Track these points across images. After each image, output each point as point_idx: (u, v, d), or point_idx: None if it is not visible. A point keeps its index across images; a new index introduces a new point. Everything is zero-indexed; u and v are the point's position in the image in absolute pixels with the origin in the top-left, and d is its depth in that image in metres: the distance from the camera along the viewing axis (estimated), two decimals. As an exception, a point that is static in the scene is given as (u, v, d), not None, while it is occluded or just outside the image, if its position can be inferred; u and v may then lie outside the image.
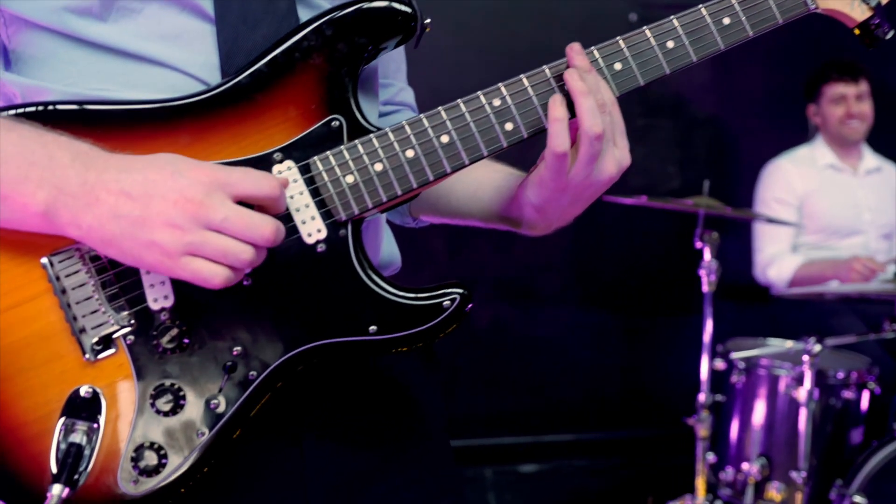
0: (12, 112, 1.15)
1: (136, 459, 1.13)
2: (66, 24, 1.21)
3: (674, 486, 3.94)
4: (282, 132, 1.19)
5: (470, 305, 1.21)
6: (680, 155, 5.17)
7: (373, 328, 1.18)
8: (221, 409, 1.14)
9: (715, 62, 5.10)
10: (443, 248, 4.83)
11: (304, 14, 1.27)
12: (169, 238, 1.06)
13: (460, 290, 1.20)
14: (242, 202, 1.09)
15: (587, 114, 1.22)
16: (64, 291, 1.13)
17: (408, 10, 1.24)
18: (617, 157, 1.27)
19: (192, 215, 1.06)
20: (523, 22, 4.86)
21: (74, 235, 1.10)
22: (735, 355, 3.71)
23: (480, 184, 1.46)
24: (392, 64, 1.54)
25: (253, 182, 1.10)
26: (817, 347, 3.28)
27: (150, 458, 1.13)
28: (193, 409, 1.14)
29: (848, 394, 3.62)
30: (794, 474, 3.47)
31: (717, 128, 5.21)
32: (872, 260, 4.12)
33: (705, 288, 3.61)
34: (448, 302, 1.20)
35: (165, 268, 1.08)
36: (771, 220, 4.02)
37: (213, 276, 1.07)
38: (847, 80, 4.51)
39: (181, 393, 1.13)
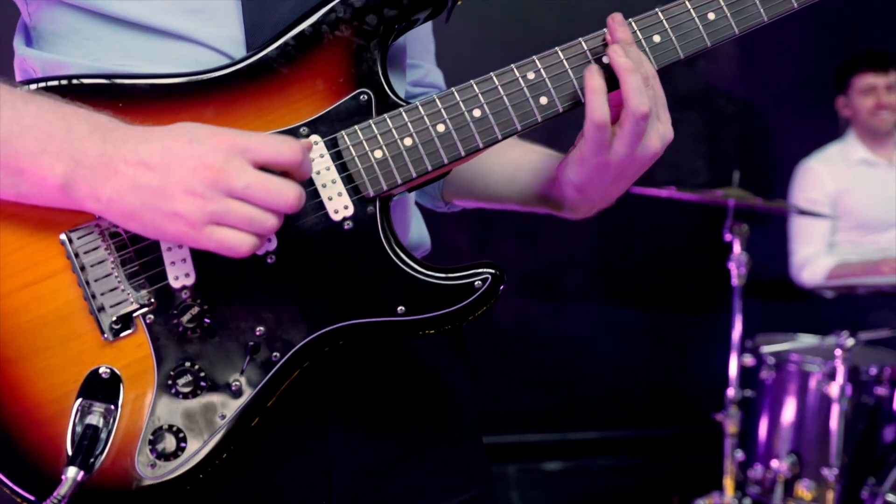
0: (33, 86, 1.11)
1: (154, 443, 1.09)
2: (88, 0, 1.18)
3: (701, 485, 3.91)
4: (308, 106, 1.15)
5: (502, 286, 1.16)
6: (708, 149, 5.15)
7: (401, 308, 1.14)
8: (243, 391, 1.10)
9: (744, 55, 5.08)
10: (467, 243, 4.82)
11: None
12: (191, 207, 1.02)
13: (492, 270, 1.16)
14: (265, 168, 1.06)
15: (634, 92, 1.16)
16: (83, 268, 1.10)
17: None
18: (661, 132, 1.22)
19: (213, 182, 1.02)
20: (547, 15, 4.86)
21: (94, 209, 1.06)
22: (765, 349, 3.66)
23: (518, 166, 1.42)
24: (420, 45, 1.49)
25: (273, 147, 1.06)
26: (850, 342, 3.22)
27: (169, 442, 1.09)
28: (214, 391, 1.10)
29: (881, 390, 3.56)
30: (825, 472, 3.42)
31: (746, 121, 5.19)
32: None
33: (735, 281, 3.56)
34: (480, 282, 1.15)
35: (190, 238, 1.04)
36: (802, 213, 3.96)
37: (241, 244, 1.04)
38: (877, 71, 4.47)
39: (202, 374, 1.10)
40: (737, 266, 3.53)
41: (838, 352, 3.29)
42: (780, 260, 4.71)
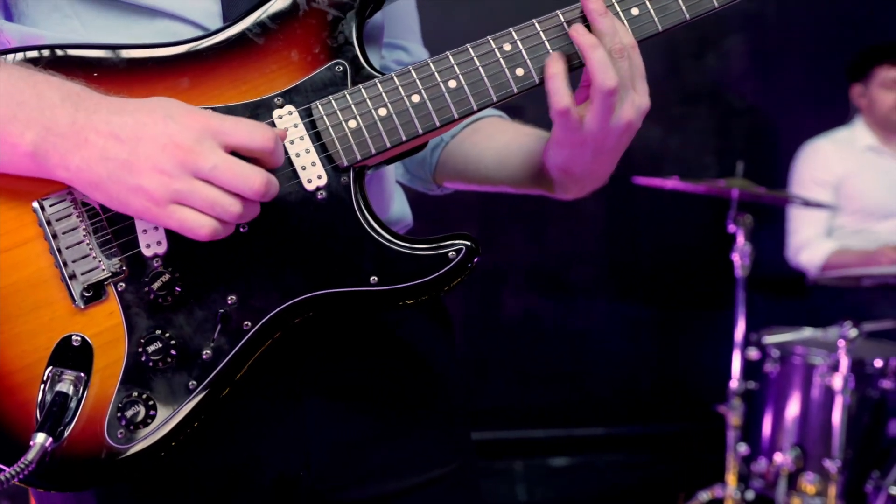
0: (8, 57, 1.12)
1: (123, 411, 1.10)
2: None
3: (707, 481, 3.90)
4: (283, 77, 1.16)
5: (477, 258, 1.16)
6: (717, 143, 5.15)
7: (374, 279, 1.14)
8: (213, 360, 1.11)
9: (752, 49, 5.06)
10: (474, 236, 4.84)
11: None
12: (156, 184, 1.03)
13: (467, 242, 1.16)
14: (236, 153, 1.06)
15: (598, 67, 1.16)
16: (55, 236, 1.10)
17: None
18: (636, 102, 1.21)
19: (181, 162, 1.03)
20: (554, 6, 4.81)
21: (62, 177, 1.07)
22: (768, 340, 3.66)
23: (510, 149, 1.42)
24: (402, 24, 1.49)
25: (247, 132, 1.06)
26: (853, 332, 3.21)
27: (139, 411, 1.10)
28: (184, 360, 1.11)
29: (886, 383, 3.55)
30: (827, 463, 3.41)
31: (754, 116, 5.18)
32: None
33: (738, 272, 3.55)
34: (454, 253, 1.15)
35: (151, 215, 1.05)
36: (806, 203, 3.95)
37: (200, 226, 1.04)
38: None
39: (172, 343, 1.10)
40: (740, 257, 3.52)
41: (841, 343, 3.29)
42: (786, 257, 4.72)
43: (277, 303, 1.12)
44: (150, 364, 1.10)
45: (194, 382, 1.10)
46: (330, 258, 1.13)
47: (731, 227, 3.53)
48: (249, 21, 1.16)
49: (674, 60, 5.00)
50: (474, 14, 4.72)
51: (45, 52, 1.13)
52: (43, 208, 1.10)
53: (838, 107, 4.78)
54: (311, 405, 1.27)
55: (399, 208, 1.41)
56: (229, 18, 1.19)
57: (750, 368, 3.82)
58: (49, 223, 1.10)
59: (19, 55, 1.13)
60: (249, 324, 1.12)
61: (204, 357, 1.11)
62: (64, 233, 1.10)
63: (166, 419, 1.10)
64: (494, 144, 1.43)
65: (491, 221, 4.81)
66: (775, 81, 5.08)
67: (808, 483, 3.53)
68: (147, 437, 1.09)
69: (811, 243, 4.40)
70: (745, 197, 3.55)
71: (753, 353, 3.73)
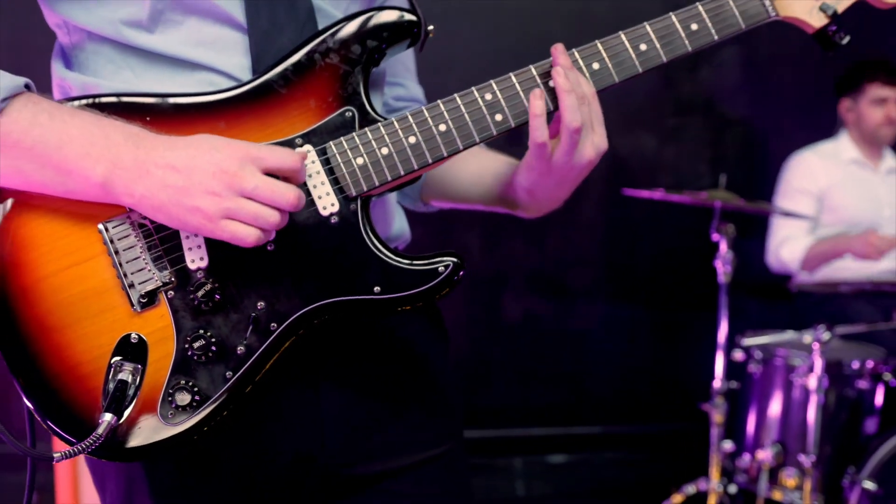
0: (76, 103, 1.35)
1: (172, 396, 1.32)
2: (121, 34, 1.41)
3: (697, 475, 4.06)
4: (302, 121, 1.38)
5: (462, 272, 1.39)
6: (710, 153, 5.28)
7: (377, 288, 1.36)
8: (246, 355, 1.33)
9: (746, 61, 5.22)
10: (477, 243, 4.96)
11: (321, 20, 1.45)
12: (209, 203, 1.25)
13: (454, 259, 1.39)
14: (270, 174, 1.28)
15: (568, 110, 1.40)
16: (116, 252, 1.33)
17: (413, 18, 1.43)
18: (595, 142, 1.46)
19: (228, 184, 1.25)
20: (556, 23, 5.00)
21: (128, 203, 1.29)
22: (748, 342, 3.84)
23: (483, 172, 1.66)
24: (401, 65, 1.72)
25: (278, 156, 1.29)
26: (826, 335, 3.40)
27: (185, 397, 1.32)
28: (222, 354, 1.33)
29: (862, 384, 3.74)
30: (802, 458, 3.59)
31: (747, 127, 5.30)
32: (887, 237, 4.18)
33: (721, 279, 3.73)
34: (442, 268, 1.38)
35: (207, 230, 1.27)
36: (787, 214, 4.12)
37: (248, 235, 1.26)
38: (893, 85, 4.52)
39: (213, 340, 1.32)
40: (722, 264, 3.71)
41: (816, 345, 3.47)
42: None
43: (298, 308, 1.34)
44: (195, 357, 1.32)
45: (230, 373, 1.33)
46: (341, 271, 1.36)
47: (715, 236, 3.73)
48: (274, 73, 1.38)
49: (669, 73, 5.13)
50: (476, 30, 4.90)
51: (109, 99, 1.35)
52: (107, 229, 1.33)
53: (828, 118, 4.89)
54: (326, 394, 1.49)
55: (399, 225, 1.63)
56: (258, 71, 1.41)
57: (735, 369, 4.00)
58: (112, 242, 1.33)
59: (87, 101, 1.35)
60: (275, 325, 1.34)
61: (238, 352, 1.33)
62: (124, 250, 1.33)
63: (208, 402, 1.32)
64: (469, 168, 1.67)
65: (493, 228, 4.95)
66: (767, 93, 5.19)
67: (788, 477, 3.70)
68: (191, 418, 1.32)
69: (790, 239, 4.49)
70: (727, 207, 3.75)
71: (738, 355, 3.90)
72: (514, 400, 5.23)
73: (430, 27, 1.47)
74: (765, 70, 5.14)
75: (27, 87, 1.32)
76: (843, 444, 3.75)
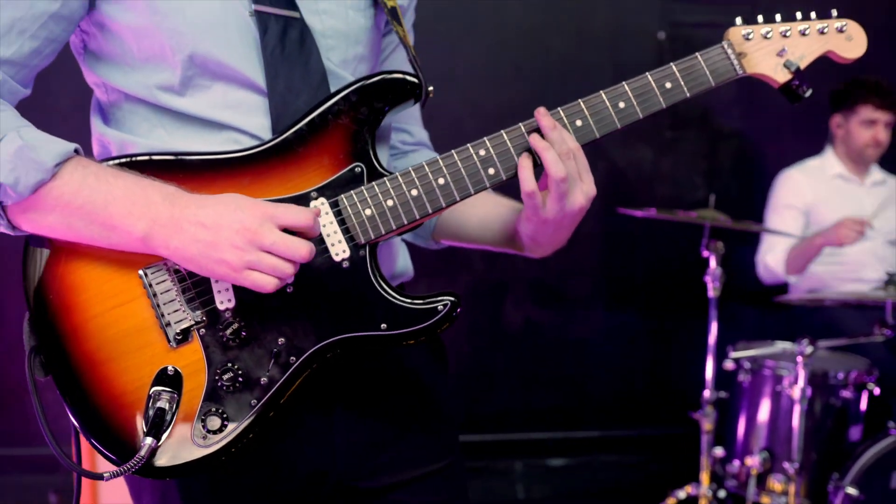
0: (114, 162, 1.52)
1: (204, 421, 1.49)
2: (155, 97, 1.59)
3: (694, 480, 4.16)
4: (317, 176, 1.55)
5: (458, 310, 1.56)
6: (706, 165, 5.39)
7: (384, 325, 1.54)
8: (269, 385, 1.51)
9: (740, 76, 5.35)
10: (480, 253, 5.07)
11: (333, 83, 1.63)
12: (234, 256, 1.42)
13: (451, 298, 1.56)
14: (287, 230, 1.46)
15: (550, 163, 1.57)
16: (154, 295, 1.50)
17: (415, 80, 1.61)
18: (585, 190, 1.62)
19: (250, 240, 1.42)
20: (556, 39, 5.13)
21: (164, 255, 1.47)
22: (735, 354, 3.98)
23: (489, 217, 1.82)
24: (407, 113, 1.88)
25: (293, 215, 1.46)
26: (809, 349, 3.55)
27: (215, 421, 1.49)
28: (248, 384, 1.50)
29: (846, 393, 3.87)
30: (786, 465, 3.73)
31: (741, 139, 5.40)
32: (859, 219, 4.27)
33: (710, 293, 3.89)
34: (441, 307, 1.56)
35: (231, 278, 1.44)
36: (774, 231, 4.25)
37: (267, 284, 1.43)
38: (884, 108, 4.60)
39: (239, 372, 1.50)
40: (712, 280, 3.87)
41: (799, 358, 3.62)
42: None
43: (314, 343, 1.52)
44: (224, 387, 1.50)
45: (255, 401, 1.50)
46: (352, 310, 1.53)
47: (705, 253, 3.89)
48: (291, 133, 1.56)
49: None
50: (477, 45, 5.04)
51: (146, 158, 1.53)
52: (146, 275, 1.50)
53: (821, 132, 4.97)
54: (339, 417, 1.67)
55: (403, 262, 1.80)
56: (277, 131, 1.57)
57: (727, 378, 4.15)
58: (150, 286, 1.50)
59: (126, 159, 1.53)
60: (294, 359, 1.51)
61: (262, 382, 1.50)
62: (161, 293, 1.50)
63: (235, 427, 1.49)
64: (477, 212, 1.83)
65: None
66: (762, 106, 5.25)
67: (776, 483, 3.83)
68: (221, 441, 1.49)
69: (775, 245, 4.61)
70: (716, 226, 3.91)
71: (730, 365, 4.02)
72: (515, 404, 5.35)
73: (430, 88, 1.65)
74: (759, 83, 5.22)
75: (76, 151, 1.49)
76: (828, 451, 3.88)
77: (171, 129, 1.60)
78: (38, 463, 4.60)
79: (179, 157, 1.54)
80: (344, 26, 1.68)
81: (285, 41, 1.59)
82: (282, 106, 1.59)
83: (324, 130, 1.57)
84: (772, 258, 4.62)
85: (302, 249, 1.44)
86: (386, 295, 1.55)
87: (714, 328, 3.93)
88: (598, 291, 5.36)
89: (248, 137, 1.59)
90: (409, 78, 1.61)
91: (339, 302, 1.54)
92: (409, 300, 1.55)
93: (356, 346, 1.55)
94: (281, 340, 1.52)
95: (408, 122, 1.91)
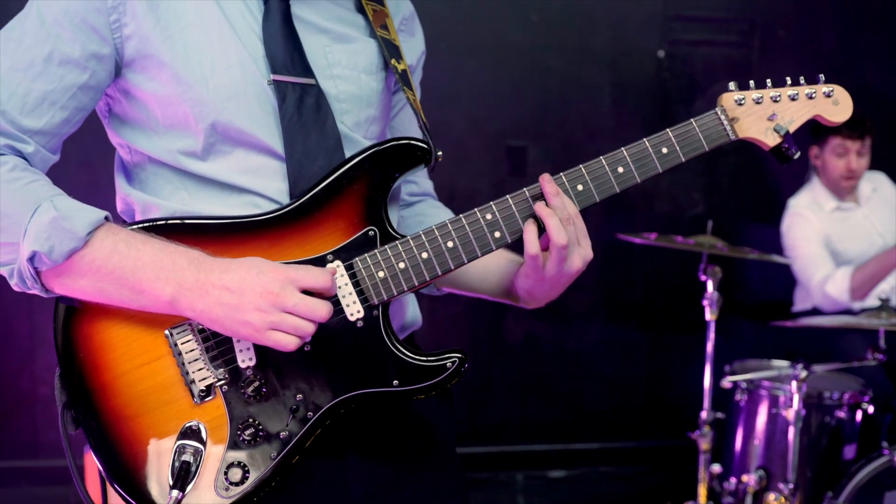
0: (144, 225, 1.60)
1: (227, 473, 1.57)
2: (178, 161, 1.67)
3: (692, 492, 4.22)
4: (333, 239, 1.64)
5: (466, 365, 1.65)
6: (705, 181, 5.46)
7: (395, 381, 1.63)
8: (287, 438, 1.59)
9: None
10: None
11: (347, 147, 1.71)
12: (258, 318, 1.50)
13: (459, 355, 1.65)
14: (307, 291, 1.54)
15: (554, 230, 1.66)
16: (180, 354, 1.59)
17: (425, 146, 1.69)
18: (582, 254, 1.71)
19: (273, 302, 1.50)
20: (557, 58, 5.21)
21: (190, 316, 1.55)
22: (732, 378, 4.03)
23: (489, 270, 1.90)
24: None
25: (313, 277, 1.54)
26: (804, 373, 3.64)
27: (237, 474, 1.58)
28: (268, 438, 1.59)
29: (841, 413, 3.95)
30: (781, 485, 3.82)
31: (739, 155, 5.45)
32: None
33: (707, 317, 3.97)
34: (449, 364, 1.65)
35: (254, 338, 1.53)
36: (764, 259, 4.30)
37: (289, 343, 1.51)
38: (853, 137, 4.64)
39: (260, 427, 1.59)
40: (709, 304, 3.94)
41: (794, 382, 3.69)
42: (772, 286, 5.01)
43: (330, 399, 1.60)
44: (245, 441, 1.58)
45: (275, 453, 1.59)
46: (365, 368, 1.62)
47: (703, 277, 3.97)
48: (308, 198, 1.64)
49: (665, 105, 5.30)
50: (479, 64, 5.11)
51: (170, 222, 1.61)
52: (171, 334, 1.59)
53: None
54: (351, 461, 1.74)
55: (412, 313, 1.89)
56: (294, 195, 1.66)
57: (724, 396, 4.21)
58: (176, 345, 1.59)
59: (151, 223, 1.61)
60: (311, 414, 1.60)
61: (281, 436, 1.59)
62: (186, 352, 1.59)
63: (256, 480, 1.58)
64: (477, 265, 1.88)
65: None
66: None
67: (772, 500, 3.90)
68: (242, 491, 1.57)
69: (829, 276, 4.58)
70: (713, 253, 3.97)
71: (726, 384, 4.08)
72: (515, 417, 5.43)
73: (440, 153, 1.73)
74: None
75: (106, 218, 1.58)
76: (822, 469, 3.96)
77: (193, 191, 1.69)
78: (45, 475, 4.69)
79: (203, 220, 1.63)
80: (357, 90, 1.77)
81: (302, 108, 1.68)
82: (299, 171, 1.67)
83: (338, 195, 1.65)
84: (833, 287, 4.60)
85: (321, 310, 1.53)
86: (398, 353, 1.64)
87: (711, 350, 4.00)
88: (598, 306, 5.43)
89: (267, 201, 1.67)
90: (419, 144, 1.69)
91: (354, 360, 1.63)
92: (419, 358, 1.64)
93: (368, 402, 1.64)
94: (299, 396, 1.60)
95: (414, 175, 1.99)
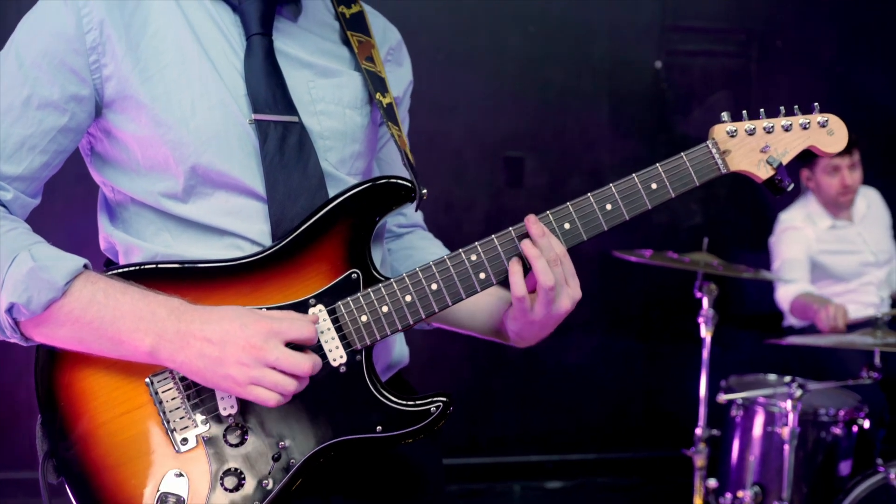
0: (123, 270, 1.59)
1: (210, 522, 1.57)
2: (160, 203, 1.66)
3: (689, 502, 4.22)
4: (315, 283, 1.62)
5: (451, 409, 1.64)
6: (702, 191, 5.38)
7: (379, 427, 1.61)
8: (270, 486, 1.58)
9: (736, 104, 5.41)
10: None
11: (331, 186, 1.69)
12: (239, 372, 1.48)
13: (443, 399, 1.64)
14: (291, 343, 1.52)
15: (540, 272, 1.63)
16: (161, 402, 1.58)
17: (409, 185, 1.68)
18: (570, 294, 1.69)
19: (255, 357, 1.48)
20: (555, 69, 5.20)
21: (170, 367, 1.54)
22: (727, 396, 4.03)
23: (479, 308, 1.88)
24: None
25: (297, 330, 1.52)
26: (798, 392, 3.63)
27: None
28: (250, 486, 1.57)
29: (836, 430, 3.94)
30: (776, 502, 3.81)
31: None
32: (843, 315, 4.32)
33: (703, 334, 3.96)
34: (434, 408, 1.63)
35: (236, 392, 1.51)
36: (758, 278, 4.29)
37: (269, 399, 1.50)
38: (843, 154, 4.63)
39: (242, 475, 1.57)
40: (705, 321, 3.94)
41: (789, 401, 3.69)
42: (769, 297, 4.94)
43: (313, 446, 1.59)
44: (228, 490, 1.56)
45: (258, 502, 1.57)
46: (348, 414, 1.60)
47: (698, 294, 3.96)
48: (290, 241, 1.62)
49: (662, 116, 5.30)
50: (478, 75, 5.11)
51: (152, 266, 1.60)
52: (152, 383, 1.57)
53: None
54: (335, 500, 1.72)
55: (399, 351, 1.87)
56: (277, 236, 1.64)
57: (721, 410, 4.20)
58: (157, 393, 1.57)
59: (133, 268, 1.59)
60: (294, 461, 1.58)
61: (264, 485, 1.57)
62: (167, 400, 1.57)
63: None
64: (466, 303, 1.84)
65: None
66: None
67: None
68: None
69: (787, 286, 4.66)
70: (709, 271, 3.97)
71: (722, 399, 4.07)
72: (513, 428, 5.43)
73: (424, 191, 1.72)
74: (754, 112, 5.28)
75: (85, 266, 1.56)
76: (818, 485, 3.96)
77: (175, 233, 1.67)
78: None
79: (184, 265, 1.61)
80: (341, 126, 1.75)
81: (284, 147, 1.66)
82: (281, 212, 1.65)
83: (321, 237, 1.64)
84: (782, 296, 4.68)
85: (304, 365, 1.50)
86: (381, 398, 1.62)
87: (706, 366, 3.99)
88: (596, 318, 5.43)
89: (249, 243, 1.66)
90: (403, 183, 1.68)
91: (337, 406, 1.61)
92: (403, 403, 1.63)
93: (352, 448, 1.62)
94: (281, 444, 1.59)
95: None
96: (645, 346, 5.51)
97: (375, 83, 1.80)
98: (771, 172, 1.77)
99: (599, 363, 5.43)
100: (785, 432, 3.69)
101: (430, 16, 4.99)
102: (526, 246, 1.65)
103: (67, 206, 3.17)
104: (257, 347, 1.48)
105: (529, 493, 5.32)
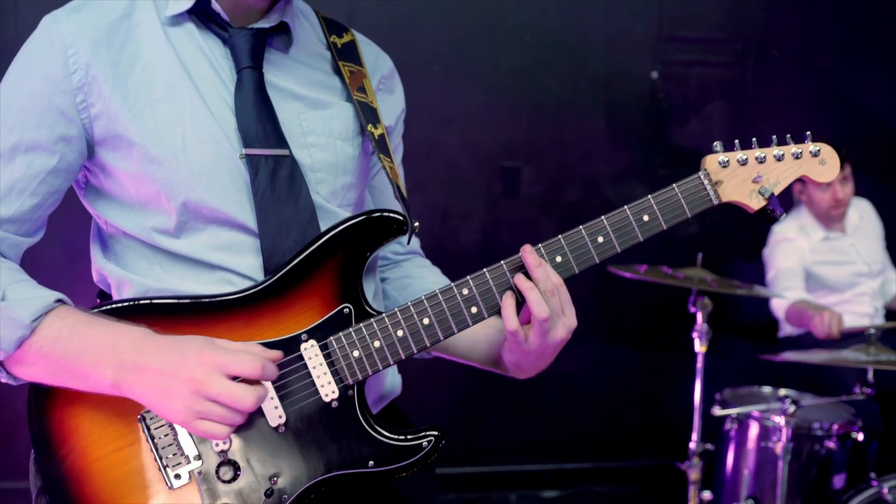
0: (117, 305, 1.59)
1: (202, 558, 1.58)
2: (152, 238, 1.66)
3: None
4: (307, 318, 1.63)
5: (443, 443, 1.65)
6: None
7: (371, 462, 1.62)
8: (263, 522, 1.59)
9: (732, 113, 5.42)
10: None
11: (322, 218, 1.70)
12: (183, 407, 1.45)
13: (435, 433, 1.64)
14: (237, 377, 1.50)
15: (534, 304, 1.64)
16: (153, 438, 1.58)
17: (400, 218, 1.68)
18: (566, 323, 1.68)
19: (195, 391, 1.45)
20: (551, 79, 5.19)
21: (134, 399, 1.52)
22: (721, 412, 4.05)
23: (477, 339, 1.88)
24: None
25: (240, 364, 1.47)
26: (792, 408, 3.64)
27: None
28: (243, 522, 1.59)
29: (830, 444, 3.94)
30: (770, 516, 3.83)
31: None
32: (838, 322, 4.34)
33: (697, 348, 3.97)
34: (426, 443, 1.64)
35: (186, 427, 1.49)
36: (752, 294, 4.29)
37: (217, 433, 1.48)
38: None
39: (235, 511, 1.59)
40: (699, 336, 3.94)
41: (782, 416, 3.70)
42: (765, 308, 4.95)
43: (305, 482, 1.59)
44: (220, 526, 1.58)
45: None
46: (341, 449, 1.61)
47: (692, 309, 3.97)
48: (281, 275, 1.63)
49: (659, 126, 5.29)
50: (474, 86, 5.11)
51: (147, 302, 1.60)
52: (144, 419, 1.58)
53: None
54: None
55: (391, 382, 1.88)
56: (268, 270, 1.65)
57: (715, 423, 4.21)
58: (149, 429, 1.58)
59: (125, 303, 1.59)
60: (286, 497, 1.59)
61: None
62: (160, 437, 1.58)
63: None
64: (465, 333, 1.83)
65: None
66: (753, 145, 5.38)
67: None
68: None
69: (782, 294, 4.66)
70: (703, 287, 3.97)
71: (716, 412, 4.07)
72: (509, 436, 5.41)
73: (416, 223, 1.72)
74: (751, 121, 5.30)
75: (60, 300, 1.56)
76: (812, 499, 3.96)
77: (166, 267, 1.68)
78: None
79: (179, 300, 1.62)
80: (332, 158, 1.76)
81: (275, 181, 1.67)
82: (272, 246, 1.66)
83: (312, 272, 1.64)
84: (777, 304, 4.71)
85: (247, 399, 1.46)
86: (373, 433, 1.63)
87: (700, 380, 4.00)
88: (592, 327, 5.39)
89: (241, 278, 1.66)
90: (394, 216, 1.68)
91: (329, 441, 1.62)
92: (395, 437, 1.64)
93: (344, 483, 1.63)
94: (273, 479, 1.59)
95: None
96: (641, 355, 5.49)
97: (367, 114, 1.81)
98: (763, 203, 1.78)
99: (596, 372, 5.40)
100: (779, 447, 3.70)
101: (426, 27, 5.00)
102: (519, 279, 1.65)
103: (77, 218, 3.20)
104: (198, 381, 1.46)
105: (526, 501, 5.31)
